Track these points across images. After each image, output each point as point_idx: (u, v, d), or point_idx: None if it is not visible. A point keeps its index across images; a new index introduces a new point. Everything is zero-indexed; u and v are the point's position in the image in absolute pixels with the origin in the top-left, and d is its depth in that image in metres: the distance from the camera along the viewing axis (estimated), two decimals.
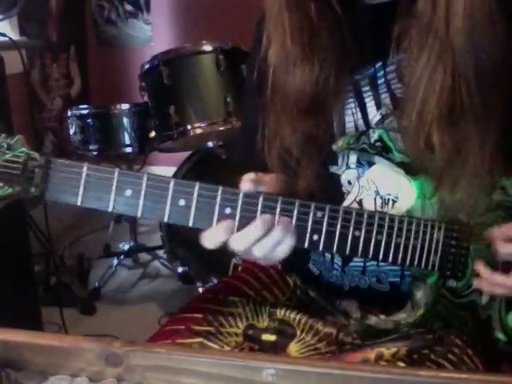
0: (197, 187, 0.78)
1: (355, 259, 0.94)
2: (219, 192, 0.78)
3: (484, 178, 0.83)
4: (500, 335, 0.87)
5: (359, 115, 0.92)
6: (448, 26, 0.80)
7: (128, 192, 0.77)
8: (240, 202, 0.78)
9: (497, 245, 0.84)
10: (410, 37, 0.83)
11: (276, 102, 0.93)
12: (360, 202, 0.91)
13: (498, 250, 0.84)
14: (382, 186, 0.90)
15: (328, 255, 0.97)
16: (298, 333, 0.94)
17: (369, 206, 0.90)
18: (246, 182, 0.80)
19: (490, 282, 0.84)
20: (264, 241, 0.79)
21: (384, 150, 0.87)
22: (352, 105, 0.92)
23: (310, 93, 0.89)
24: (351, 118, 0.93)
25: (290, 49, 0.89)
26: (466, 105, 0.81)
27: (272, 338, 0.93)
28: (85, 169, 0.77)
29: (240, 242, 0.79)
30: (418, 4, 0.82)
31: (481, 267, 0.84)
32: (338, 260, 0.96)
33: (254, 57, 1.01)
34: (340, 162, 0.93)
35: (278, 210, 0.79)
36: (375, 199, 0.90)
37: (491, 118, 0.82)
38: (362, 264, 0.94)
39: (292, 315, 0.97)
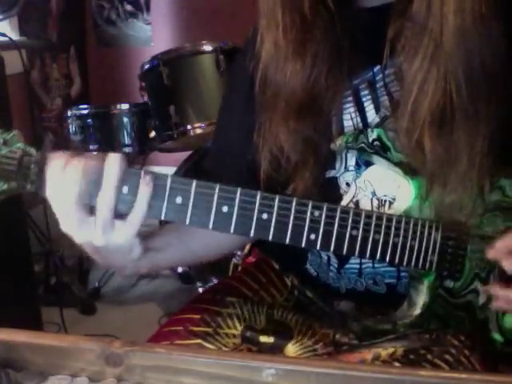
0: (194, 185, 0.77)
1: (351, 261, 0.94)
2: (216, 190, 0.77)
3: (474, 179, 0.82)
4: (497, 336, 0.87)
5: (358, 119, 0.92)
6: (442, 27, 0.80)
7: (125, 189, 0.76)
8: (237, 200, 0.78)
9: (501, 261, 0.82)
10: (405, 39, 0.83)
11: (269, 101, 0.92)
12: (357, 203, 0.91)
13: (503, 267, 0.82)
14: (378, 187, 0.90)
15: (325, 256, 0.97)
16: (296, 334, 0.94)
17: (365, 207, 0.91)
18: None
19: (508, 299, 0.83)
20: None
21: (382, 150, 0.87)
22: (351, 109, 0.92)
23: (302, 91, 0.89)
24: (350, 122, 0.92)
25: (282, 44, 0.88)
26: (456, 108, 0.81)
27: (270, 339, 0.93)
28: None
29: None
30: (412, 5, 0.82)
31: (497, 288, 0.83)
32: (334, 262, 0.96)
33: (243, 63, 0.99)
34: (338, 164, 0.93)
35: (275, 208, 0.79)
36: (372, 200, 0.91)
37: (482, 121, 0.81)
38: (358, 266, 0.94)
39: (289, 316, 0.97)
